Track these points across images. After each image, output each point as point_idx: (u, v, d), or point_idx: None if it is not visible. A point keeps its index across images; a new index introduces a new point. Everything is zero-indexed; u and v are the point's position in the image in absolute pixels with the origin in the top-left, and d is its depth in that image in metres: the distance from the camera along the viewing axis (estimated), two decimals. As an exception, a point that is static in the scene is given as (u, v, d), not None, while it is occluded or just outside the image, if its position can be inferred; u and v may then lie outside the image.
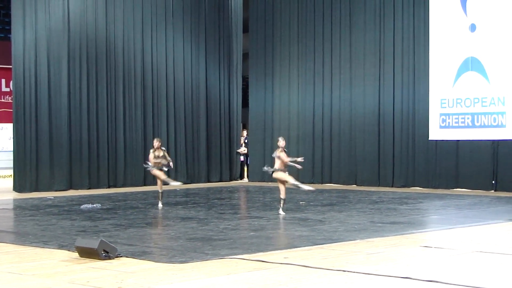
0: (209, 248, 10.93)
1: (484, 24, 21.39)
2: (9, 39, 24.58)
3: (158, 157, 17.66)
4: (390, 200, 18.86)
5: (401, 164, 23.35)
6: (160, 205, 17.55)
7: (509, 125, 20.91)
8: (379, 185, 23.55)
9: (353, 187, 23.89)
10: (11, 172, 23.67)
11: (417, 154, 22.98)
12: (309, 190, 16.21)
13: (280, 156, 15.54)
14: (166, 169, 17.85)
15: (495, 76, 21.19)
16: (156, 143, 17.78)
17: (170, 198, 20.12)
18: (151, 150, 17.85)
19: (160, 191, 17.76)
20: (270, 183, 23.51)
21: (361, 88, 24.38)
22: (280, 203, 15.80)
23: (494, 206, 17.45)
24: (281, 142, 15.63)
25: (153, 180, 23.48)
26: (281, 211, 15.62)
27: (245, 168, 28.35)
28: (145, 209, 17.35)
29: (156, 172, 17.77)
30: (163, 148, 17.98)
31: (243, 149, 28.07)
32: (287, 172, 15.70)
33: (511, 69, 20.89)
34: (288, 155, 15.93)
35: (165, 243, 11.61)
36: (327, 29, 25.26)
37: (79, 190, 22.86)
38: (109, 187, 23.81)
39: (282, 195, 15.71)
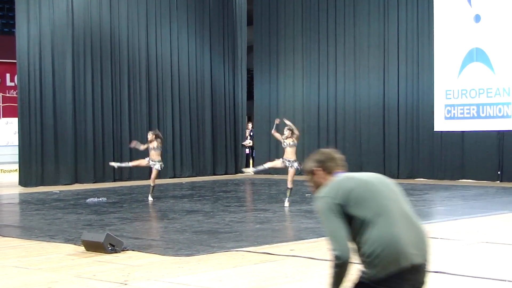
0: (215, 241, 10.94)
1: (489, 14, 21.34)
2: (13, 34, 24.61)
3: (153, 149, 17.89)
4: (396, 191, 18.81)
5: (406, 156, 23.34)
6: (150, 198, 17.71)
7: (514, 115, 20.90)
8: (384, 177, 23.49)
9: (359, 179, 23.83)
10: (16, 166, 23.71)
11: (422, 146, 22.97)
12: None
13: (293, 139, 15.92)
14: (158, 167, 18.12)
15: (500, 66, 21.15)
16: (149, 136, 18.13)
17: (176, 191, 20.16)
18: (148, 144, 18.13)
19: (152, 184, 17.90)
20: (275, 175, 23.52)
21: (365, 79, 24.36)
22: (288, 194, 15.89)
23: (500, 196, 17.45)
24: (287, 132, 15.94)
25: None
26: (286, 203, 15.68)
27: (251, 161, 28.36)
28: (149, 202, 17.36)
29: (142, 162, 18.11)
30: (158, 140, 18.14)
31: (248, 142, 28.07)
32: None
33: (516, 59, 20.87)
34: (294, 148, 16.17)
35: (171, 236, 11.63)
36: (331, 21, 25.24)
37: (85, 184, 22.89)
38: (114, 180, 23.83)
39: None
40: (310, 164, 4.62)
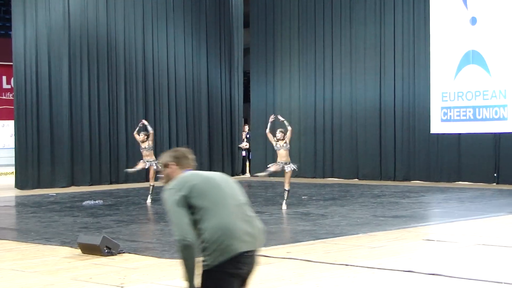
0: (212, 243, 10.91)
1: (485, 17, 21.36)
2: (9, 36, 24.59)
3: (146, 149, 17.92)
4: (392, 193, 18.86)
5: (403, 158, 23.35)
6: (149, 199, 17.72)
7: (510, 118, 20.90)
8: (381, 179, 23.54)
9: (355, 181, 23.89)
10: (13, 169, 23.69)
11: (419, 148, 22.98)
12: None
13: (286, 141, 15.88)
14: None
15: (496, 69, 21.17)
16: (140, 137, 18.16)
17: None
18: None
19: (151, 184, 17.88)
20: (272, 178, 23.50)
21: (361, 82, 24.37)
22: (285, 196, 15.93)
23: (496, 199, 17.46)
24: (279, 135, 15.91)
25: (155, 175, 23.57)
26: (284, 205, 15.70)
27: (247, 163, 28.37)
28: (147, 205, 17.35)
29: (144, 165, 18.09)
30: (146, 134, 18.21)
31: (244, 144, 28.07)
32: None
33: (512, 61, 20.89)
34: (288, 150, 16.17)
35: (167, 239, 11.61)
36: (328, 23, 25.25)
37: (81, 187, 22.86)
38: (111, 183, 23.81)
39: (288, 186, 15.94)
40: (167, 158, 5.25)
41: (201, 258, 4.90)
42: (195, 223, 4.92)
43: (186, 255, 4.86)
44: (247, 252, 4.94)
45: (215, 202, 4.97)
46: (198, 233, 4.91)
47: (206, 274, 4.90)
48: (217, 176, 5.21)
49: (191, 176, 5.10)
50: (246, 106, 28.79)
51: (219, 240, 4.85)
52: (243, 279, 5.02)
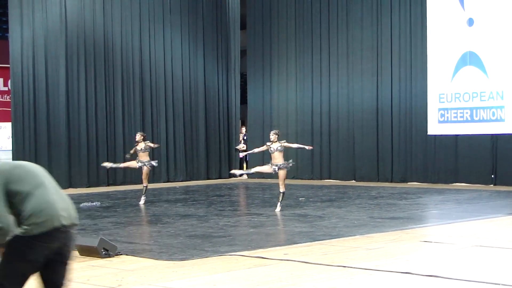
0: (209, 245, 10.93)
1: (482, 18, 21.38)
2: (6, 38, 24.58)
3: (141, 150, 17.89)
4: (390, 195, 18.86)
5: (400, 159, 23.35)
6: (142, 200, 17.77)
7: (508, 119, 20.91)
8: (378, 181, 23.54)
9: (352, 182, 23.88)
10: (10, 171, 23.62)
11: (416, 149, 22.98)
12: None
13: (284, 145, 15.73)
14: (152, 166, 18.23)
15: (493, 70, 21.18)
16: (137, 137, 18.10)
17: (170, 196, 20.13)
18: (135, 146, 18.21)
19: (144, 185, 17.93)
20: (269, 179, 23.50)
21: (359, 83, 24.38)
22: (280, 198, 15.78)
23: (494, 200, 17.46)
24: (273, 137, 15.82)
25: (152, 177, 23.58)
26: (278, 207, 15.58)
27: (244, 165, 28.35)
28: (144, 206, 17.34)
29: (132, 164, 18.15)
30: (146, 142, 18.18)
31: (242, 146, 28.06)
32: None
33: (509, 63, 20.88)
34: (282, 151, 16.08)
35: (165, 241, 11.61)
36: (325, 25, 25.26)
37: (78, 189, 22.83)
38: (108, 185, 23.79)
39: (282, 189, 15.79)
40: None
41: (17, 230, 5.22)
42: (17, 205, 5.25)
43: (1, 240, 5.19)
44: (64, 226, 5.32)
45: (34, 184, 5.32)
46: (21, 213, 5.24)
47: (16, 238, 5.20)
48: (26, 163, 5.57)
49: (4, 165, 5.41)
50: (243, 108, 28.80)
51: (40, 215, 5.21)
52: (55, 254, 5.37)
